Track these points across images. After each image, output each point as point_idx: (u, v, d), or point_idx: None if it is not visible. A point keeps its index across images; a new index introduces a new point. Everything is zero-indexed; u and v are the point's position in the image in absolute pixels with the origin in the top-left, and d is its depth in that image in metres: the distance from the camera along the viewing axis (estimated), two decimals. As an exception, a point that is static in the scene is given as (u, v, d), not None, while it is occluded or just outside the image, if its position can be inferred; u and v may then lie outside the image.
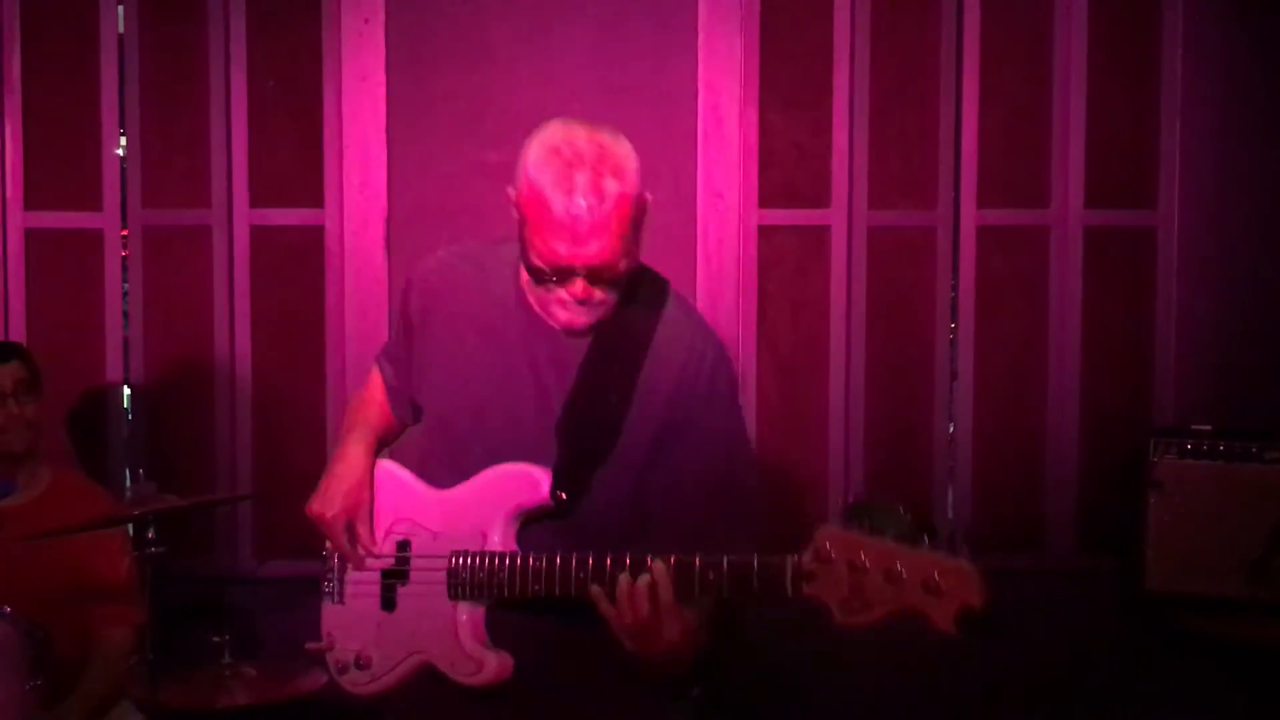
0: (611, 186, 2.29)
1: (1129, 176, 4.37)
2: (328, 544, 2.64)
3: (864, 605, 2.06)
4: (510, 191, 2.37)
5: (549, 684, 2.47)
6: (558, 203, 2.27)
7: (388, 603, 2.56)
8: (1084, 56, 4.32)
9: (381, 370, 2.78)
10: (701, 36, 4.22)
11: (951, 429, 4.41)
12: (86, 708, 3.54)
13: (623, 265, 2.35)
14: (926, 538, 2.05)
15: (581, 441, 2.45)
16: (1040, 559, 4.36)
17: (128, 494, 4.17)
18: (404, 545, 2.56)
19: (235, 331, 4.31)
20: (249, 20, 4.27)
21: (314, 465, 4.09)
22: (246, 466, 4.30)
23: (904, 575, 2.02)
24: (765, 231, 4.31)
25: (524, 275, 2.44)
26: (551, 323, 2.45)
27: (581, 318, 2.40)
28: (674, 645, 2.29)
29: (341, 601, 2.62)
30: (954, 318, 4.39)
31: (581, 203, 2.27)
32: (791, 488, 4.32)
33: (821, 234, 4.32)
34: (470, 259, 2.64)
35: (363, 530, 2.56)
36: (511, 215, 2.38)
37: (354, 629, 2.60)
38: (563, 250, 2.30)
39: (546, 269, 2.34)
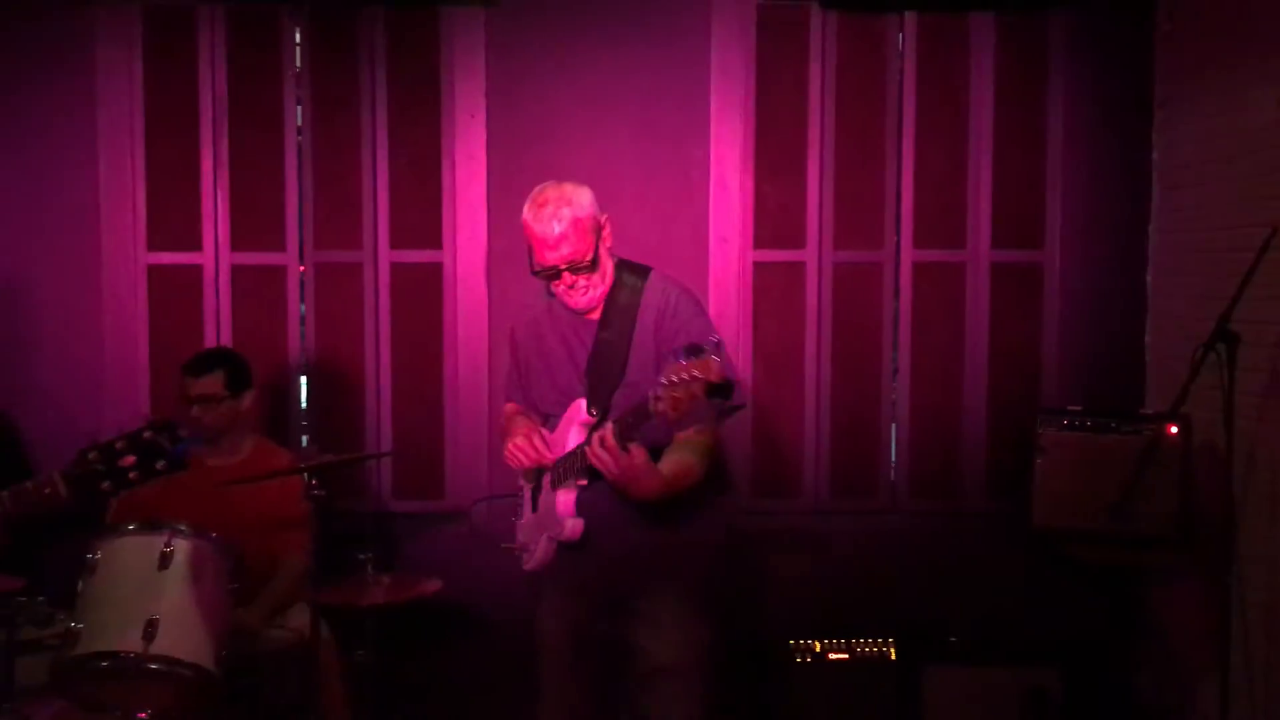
0: (565, 213, 2.79)
1: (1023, 225, 4.30)
2: (520, 485, 3.09)
3: (677, 406, 2.39)
4: None
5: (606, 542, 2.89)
6: (537, 228, 2.80)
7: (535, 507, 2.99)
8: (990, 134, 4.26)
9: (510, 399, 3.19)
10: (712, 125, 4.22)
11: (894, 416, 4.38)
12: (270, 607, 3.54)
13: (586, 258, 2.81)
14: (701, 354, 2.39)
15: (599, 377, 2.87)
16: (959, 504, 4.33)
17: (300, 452, 4.14)
18: (538, 472, 2.99)
19: (379, 339, 4.31)
20: (390, 114, 4.25)
21: (434, 433, 4.32)
22: (387, 433, 4.30)
23: (685, 377, 2.37)
24: (759, 266, 4.30)
25: None
26: (579, 311, 2.91)
27: (581, 299, 2.89)
28: (638, 477, 2.67)
29: (520, 516, 3.06)
30: (896, 330, 4.34)
31: (546, 225, 2.79)
32: (777, 448, 4.34)
33: (799, 268, 4.31)
34: (534, 301, 3.09)
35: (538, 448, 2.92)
36: None
37: (524, 530, 3.05)
38: (548, 256, 2.81)
39: (543, 271, 2.83)
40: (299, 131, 4.28)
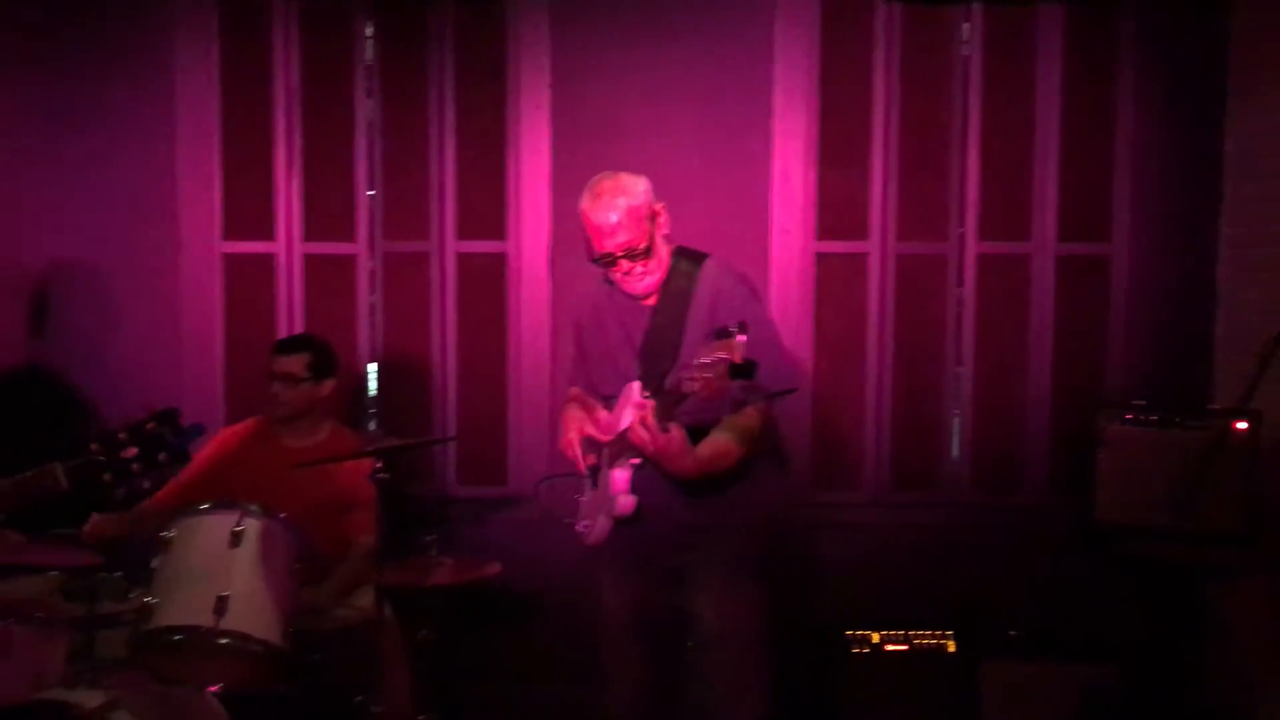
0: (621, 202, 2.89)
1: (1090, 217, 4.26)
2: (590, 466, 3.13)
3: (706, 386, 2.48)
4: None
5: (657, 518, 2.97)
6: (593, 216, 2.91)
7: (595, 485, 3.07)
8: (1057, 125, 4.24)
9: (574, 383, 3.27)
10: (775, 116, 4.23)
11: (957, 409, 4.37)
12: (339, 588, 3.59)
13: (642, 245, 2.91)
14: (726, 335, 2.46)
15: (654, 360, 2.94)
16: (1020, 497, 4.31)
17: (366, 435, 4.22)
18: (600, 452, 3.05)
19: (445, 328, 4.39)
20: (457, 106, 4.31)
21: (497, 420, 4.40)
22: (452, 420, 4.38)
23: (709, 359, 2.46)
24: (821, 257, 4.30)
25: None
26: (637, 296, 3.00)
27: (637, 285, 2.98)
28: (675, 455, 2.75)
29: (583, 493, 3.13)
30: (959, 323, 4.32)
31: (604, 213, 2.89)
32: (838, 439, 4.35)
33: (862, 260, 4.31)
34: (596, 288, 3.16)
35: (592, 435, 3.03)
36: None
37: (586, 507, 3.12)
38: (605, 243, 2.91)
39: (601, 258, 2.93)
40: (369, 124, 4.37)
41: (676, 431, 2.73)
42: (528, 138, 4.29)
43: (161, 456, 2.16)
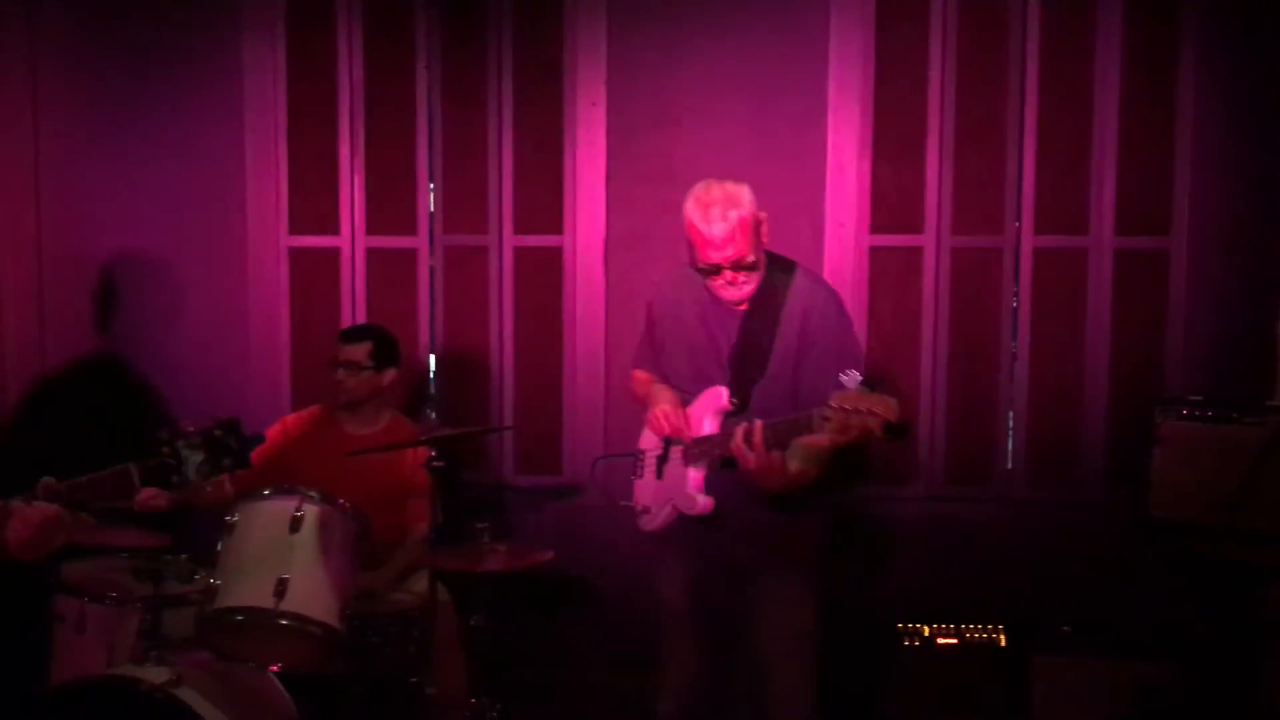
0: (734, 214, 2.87)
1: (1149, 211, 4.23)
2: (638, 453, 3.23)
3: (846, 432, 2.56)
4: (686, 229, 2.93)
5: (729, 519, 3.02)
6: (704, 229, 2.88)
7: (659, 474, 3.13)
8: (1115, 118, 4.20)
9: (639, 366, 3.32)
10: (830, 110, 4.24)
11: (1012, 404, 4.35)
12: (396, 573, 3.69)
13: (750, 257, 2.91)
14: (875, 388, 2.57)
15: (743, 369, 2.99)
16: (1076, 493, 4.29)
17: (422, 424, 4.28)
18: (667, 443, 3.12)
19: (503, 320, 4.48)
20: (515, 103, 4.40)
21: (553, 411, 4.48)
22: (509, 410, 4.48)
23: (861, 409, 2.52)
24: (875, 251, 4.31)
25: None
26: (727, 301, 3.01)
27: (736, 294, 2.98)
28: (770, 474, 2.80)
29: (641, 477, 3.19)
30: (1015, 317, 4.31)
31: (718, 226, 2.86)
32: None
33: (916, 254, 4.32)
34: (676, 277, 3.19)
35: (680, 422, 3.03)
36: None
37: (644, 492, 3.18)
38: (714, 256, 2.89)
39: (706, 268, 2.92)
40: (430, 120, 4.47)
41: (778, 456, 2.78)
42: (584, 134, 4.36)
43: (226, 462, 2.30)
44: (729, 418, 2.95)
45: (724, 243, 2.88)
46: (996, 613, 4.02)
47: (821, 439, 2.71)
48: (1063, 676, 3.89)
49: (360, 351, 3.85)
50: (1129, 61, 4.20)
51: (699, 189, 2.95)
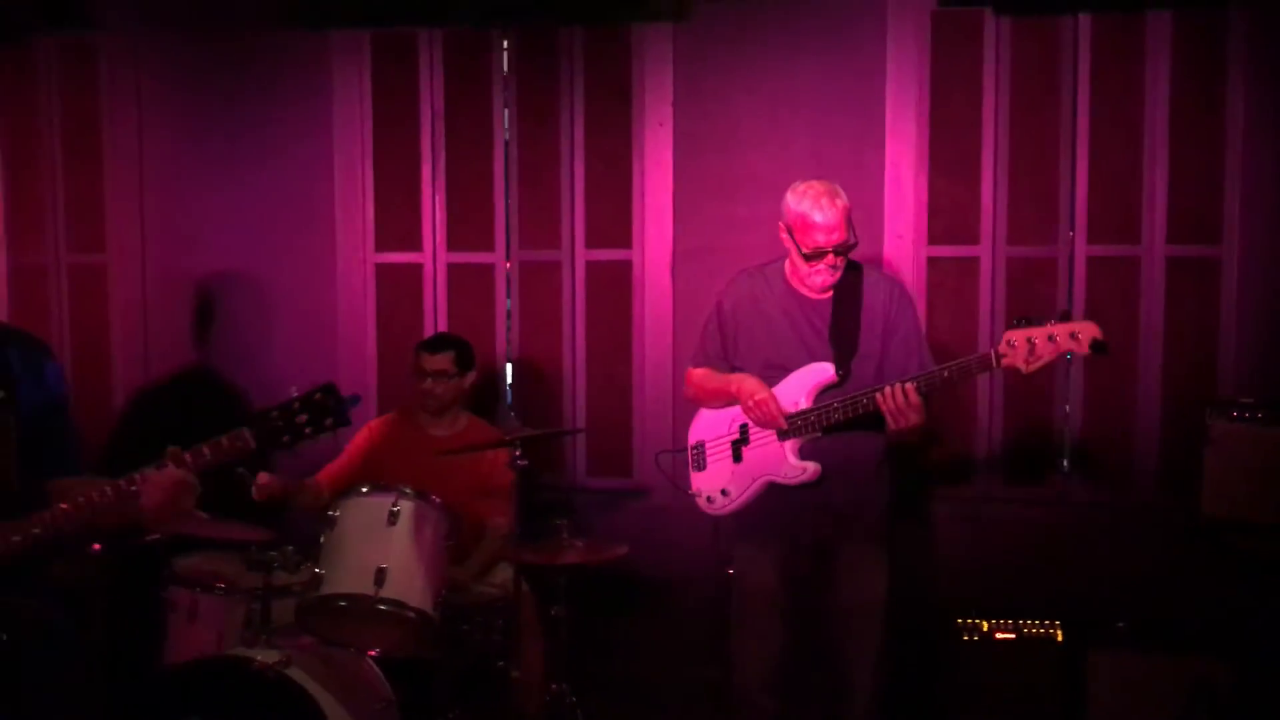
0: (839, 202, 3.28)
1: (1200, 220, 4.34)
2: (695, 446, 3.53)
3: (1038, 358, 3.06)
4: (780, 225, 3.35)
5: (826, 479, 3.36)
6: (814, 215, 3.27)
7: (736, 457, 3.43)
8: (1166, 129, 4.32)
9: (700, 365, 3.59)
10: (888, 127, 4.43)
11: (1067, 408, 4.49)
12: (480, 565, 3.95)
13: (851, 241, 3.31)
14: (1062, 317, 3.06)
15: (841, 347, 3.34)
16: (1130, 494, 4.41)
17: (502, 426, 4.44)
18: (744, 427, 3.42)
19: (575, 329, 4.72)
20: (586, 124, 4.65)
21: (623, 417, 4.73)
22: (581, 416, 4.71)
23: (1056, 335, 3.01)
24: (933, 261, 4.50)
25: (787, 270, 3.43)
26: (809, 291, 3.39)
27: (829, 279, 3.37)
28: (914, 423, 3.17)
29: (704, 468, 3.49)
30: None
31: (827, 212, 3.26)
32: (950, 431, 4.50)
33: (973, 264, 4.48)
34: (750, 274, 3.55)
35: (775, 405, 3.33)
36: (781, 238, 3.39)
37: (715, 479, 3.47)
38: (820, 239, 3.27)
39: (812, 254, 3.28)
40: (506, 142, 4.74)
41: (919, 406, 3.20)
42: (651, 152, 4.60)
43: (328, 422, 2.49)
44: (824, 392, 3.31)
45: (832, 228, 3.27)
46: (1053, 610, 4.13)
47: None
48: (1119, 672, 4.00)
49: (445, 360, 4.12)
50: (1178, 73, 4.34)
51: (800, 186, 3.34)
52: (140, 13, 4.84)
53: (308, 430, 2.46)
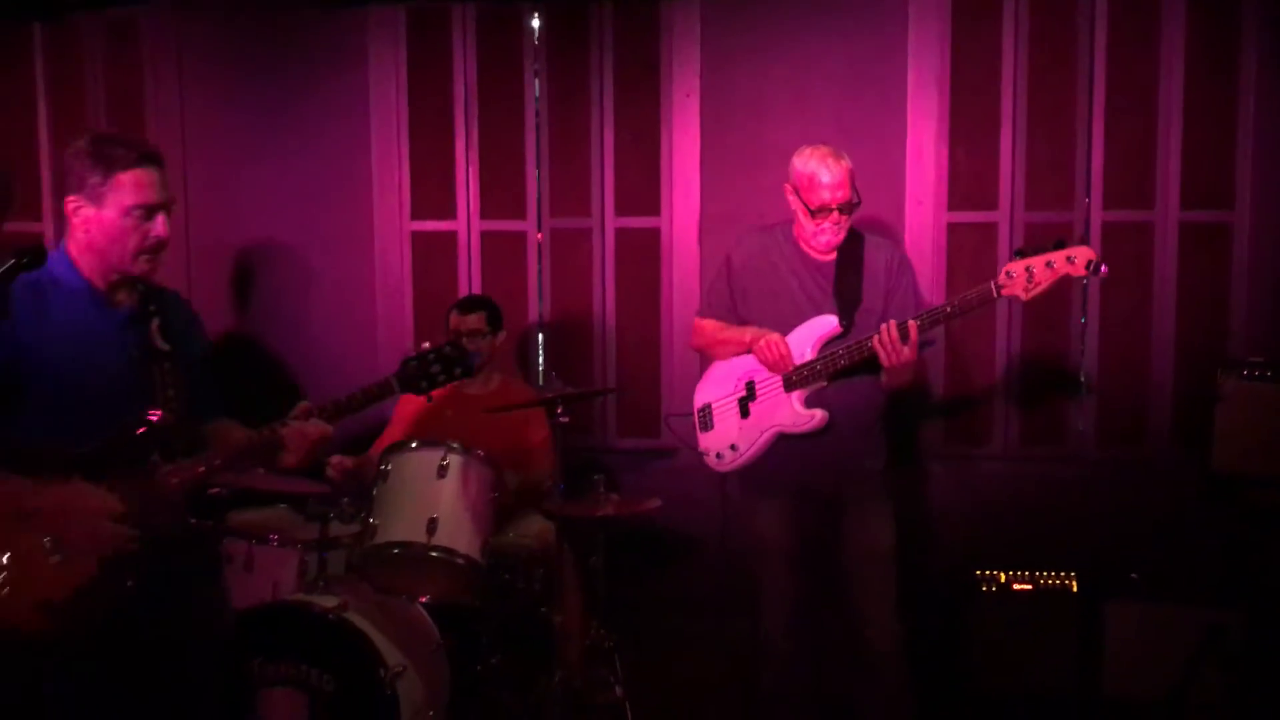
0: (843, 162, 3.43)
1: (1213, 186, 4.48)
2: (701, 409, 3.64)
3: (1036, 284, 3.17)
4: (787, 186, 3.49)
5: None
6: (821, 174, 3.42)
7: (744, 413, 3.57)
8: (1180, 97, 4.46)
9: (705, 316, 3.72)
10: (910, 95, 4.60)
11: (1083, 368, 4.63)
12: (521, 518, 4.14)
13: (855, 200, 3.46)
14: (1058, 244, 3.15)
15: (845, 302, 3.48)
16: (1144, 451, 4.59)
17: (543, 386, 4.70)
18: (750, 384, 3.55)
19: (605, 295, 4.89)
20: (615, 95, 4.80)
21: (651, 379, 4.89)
22: (611, 379, 4.89)
23: (1053, 261, 3.13)
24: (952, 227, 4.66)
25: (796, 230, 3.56)
26: (815, 252, 3.53)
27: (833, 238, 3.52)
28: (907, 359, 3.29)
29: (711, 428, 3.63)
30: (1085, 286, 4.58)
31: (833, 170, 3.41)
32: (969, 398, 4.70)
33: (991, 229, 4.63)
34: (760, 231, 3.69)
35: (786, 347, 3.45)
36: (788, 200, 3.51)
37: (723, 435, 3.61)
38: (826, 196, 3.42)
39: (818, 210, 3.42)
40: (537, 113, 4.90)
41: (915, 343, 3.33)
42: (679, 122, 4.76)
43: (457, 371, 2.77)
44: (829, 344, 3.46)
45: (837, 185, 3.42)
46: (1070, 563, 4.29)
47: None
48: (1133, 622, 4.16)
49: (478, 320, 4.30)
50: (1193, 42, 4.47)
51: (806, 149, 3.52)
52: (182, -12, 5.01)
53: (441, 378, 2.73)
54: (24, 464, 2.33)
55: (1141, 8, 4.53)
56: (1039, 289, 3.19)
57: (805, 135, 4.44)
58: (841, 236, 3.51)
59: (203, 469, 2.51)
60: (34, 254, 2.39)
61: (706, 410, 3.67)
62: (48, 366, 2.44)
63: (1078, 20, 4.56)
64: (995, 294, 3.26)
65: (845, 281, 3.52)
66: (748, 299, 3.63)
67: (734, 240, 3.73)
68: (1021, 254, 3.23)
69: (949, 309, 3.32)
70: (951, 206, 4.67)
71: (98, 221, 2.50)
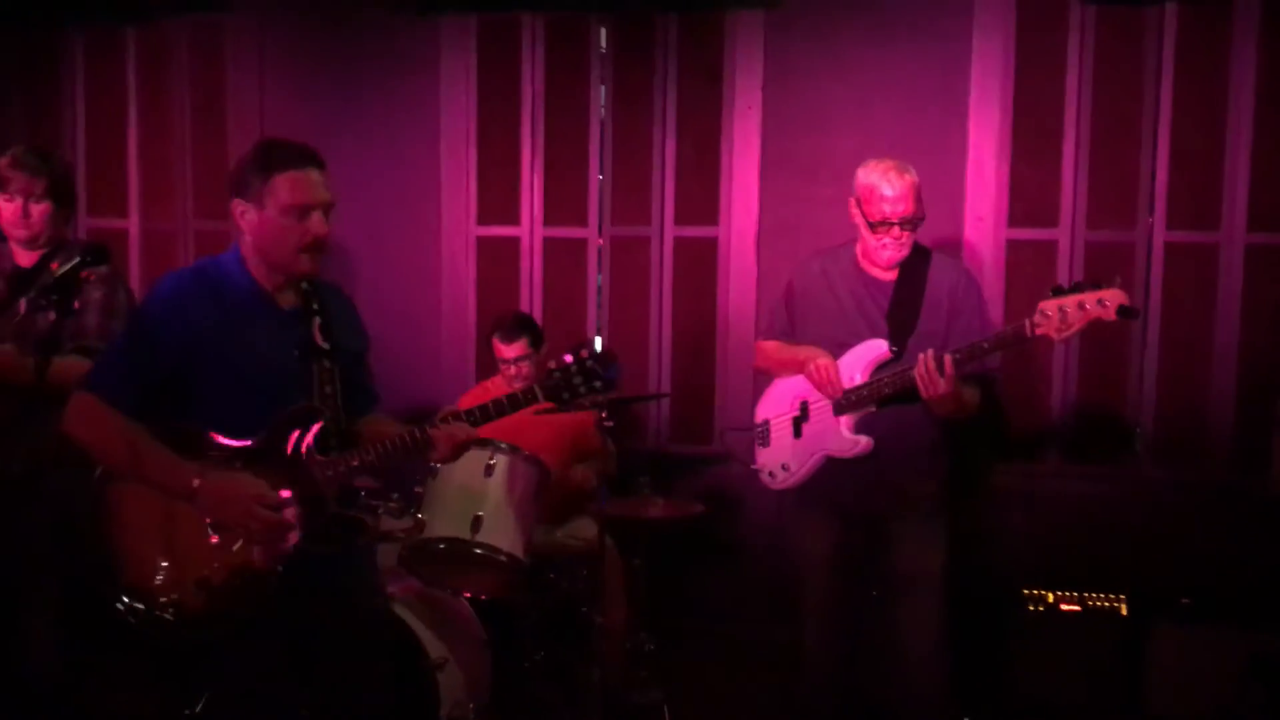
0: (907, 177, 3.39)
1: None
2: (760, 424, 3.65)
3: (1069, 325, 3.12)
4: (850, 200, 3.46)
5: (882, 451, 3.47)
6: (883, 187, 3.39)
7: (797, 433, 3.57)
8: (1250, 118, 4.41)
9: (769, 338, 3.73)
10: (971, 110, 4.60)
11: (1141, 388, 4.58)
12: (568, 519, 4.24)
13: (919, 215, 3.42)
14: (1094, 285, 3.10)
15: (899, 325, 3.45)
16: (1200, 474, 4.52)
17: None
18: (804, 404, 3.55)
19: (663, 302, 4.96)
20: (678, 106, 4.88)
21: (706, 386, 4.96)
22: (666, 385, 4.97)
23: (1085, 303, 3.06)
24: (1012, 244, 4.64)
25: (858, 251, 3.54)
26: (876, 270, 3.50)
27: (898, 253, 3.47)
28: (943, 392, 3.24)
29: (768, 444, 3.64)
30: (1146, 306, 4.53)
31: (896, 184, 3.38)
32: (1024, 414, 4.67)
33: (1051, 247, 4.61)
34: (822, 253, 3.68)
35: (836, 372, 3.45)
36: (851, 213, 3.48)
37: (777, 454, 3.62)
38: (886, 210, 3.39)
39: (878, 223, 3.39)
40: (602, 122, 5.00)
41: (958, 382, 3.29)
42: (740, 133, 4.82)
43: (597, 384, 2.76)
44: (880, 368, 3.43)
45: (898, 199, 3.38)
46: (1120, 584, 4.26)
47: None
48: (1182, 645, 4.11)
49: (521, 346, 4.29)
50: (1264, 61, 4.41)
51: (871, 162, 3.49)
52: (264, -4, 5.22)
53: (582, 389, 2.75)
54: (193, 448, 2.56)
55: (1213, 24, 4.47)
56: (1071, 330, 3.14)
57: (865, 148, 4.46)
58: (903, 253, 3.46)
59: (355, 463, 2.63)
60: (96, 253, 2.57)
61: (765, 426, 3.68)
62: (216, 360, 2.58)
63: (1145, 35, 4.52)
64: (1029, 333, 3.20)
65: (902, 303, 3.48)
66: (807, 321, 3.64)
67: (797, 263, 3.75)
68: (1057, 292, 3.16)
69: (985, 345, 3.27)
70: (1011, 223, 4.66)
71: (260, 222, 2.61)
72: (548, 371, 2.76)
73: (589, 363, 2.73)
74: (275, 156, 2.62)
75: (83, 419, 2.58)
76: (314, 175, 2.63)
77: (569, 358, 2.75)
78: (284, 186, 2.59)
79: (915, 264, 3.50)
